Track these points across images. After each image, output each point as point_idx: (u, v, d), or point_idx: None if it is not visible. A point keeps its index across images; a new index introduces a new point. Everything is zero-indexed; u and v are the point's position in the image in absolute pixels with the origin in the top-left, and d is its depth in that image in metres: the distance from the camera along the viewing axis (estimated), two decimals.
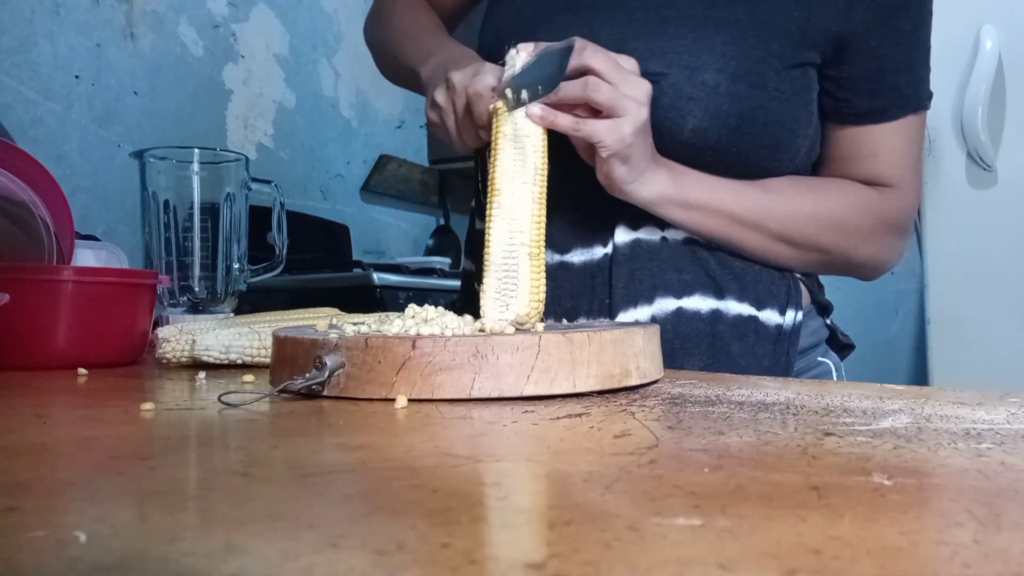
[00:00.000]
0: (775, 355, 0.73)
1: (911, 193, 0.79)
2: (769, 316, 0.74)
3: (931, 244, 1.63)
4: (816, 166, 0.81)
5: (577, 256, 0.75)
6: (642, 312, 0.72)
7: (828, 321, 0.83)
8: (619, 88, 0.62)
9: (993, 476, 0.27)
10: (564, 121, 0.62)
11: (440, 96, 0.71)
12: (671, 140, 0.70)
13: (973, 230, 1.57)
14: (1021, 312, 1.51)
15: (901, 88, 0.76)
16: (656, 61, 0.69)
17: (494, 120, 0.62)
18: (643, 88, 0.63)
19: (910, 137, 0.77)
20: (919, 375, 1.99)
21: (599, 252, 0.75)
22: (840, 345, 0.84)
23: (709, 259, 0.74)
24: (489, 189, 0.60)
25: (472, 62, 0.71)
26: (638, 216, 0.72)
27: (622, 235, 0.74)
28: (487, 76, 0.66)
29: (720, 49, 0.70)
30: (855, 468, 0.28)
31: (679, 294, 0.72)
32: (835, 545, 0.20)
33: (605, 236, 0.74)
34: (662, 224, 0.73)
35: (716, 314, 0.72)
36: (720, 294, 0.73)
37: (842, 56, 0.74)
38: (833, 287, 0.89)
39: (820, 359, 0.80)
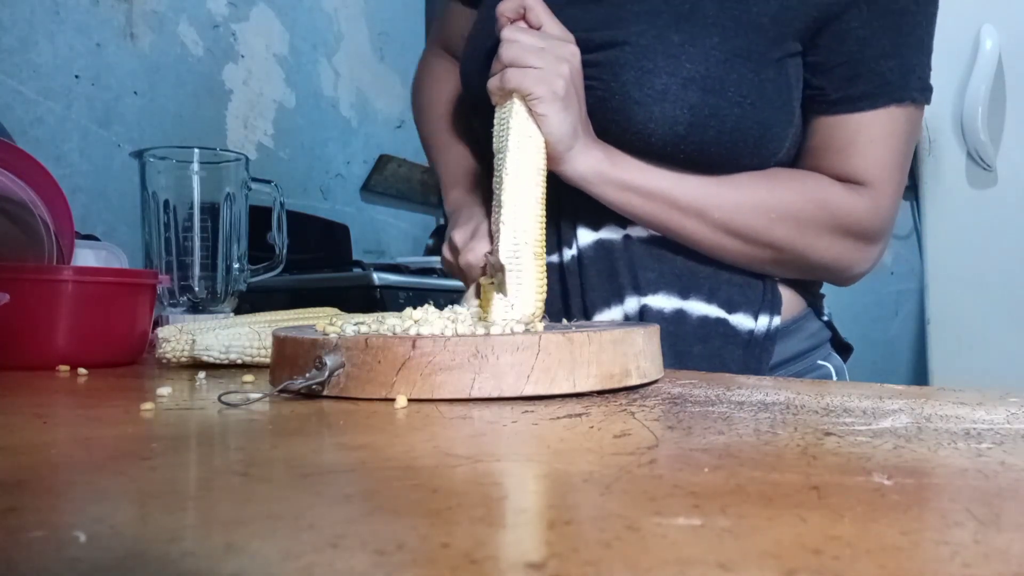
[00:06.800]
0: (745, 360, 0.71)
1: (887, 195, 0.71)
2: (741, 320, 0.72)
3: (931, 244, 1.63)
4: (793, 161, 0.76)
5: (548, 260, 0.74)
6: (615, 313, 0.72)
7: (827, 318, 0.81)
8: (534, 45, 0.63)
9: (993, 476, 0.27)
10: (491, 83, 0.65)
11: (447, 253, 0.76)
12: (617, 141, 0.69)
13: (973, 230, 1.57)
14: (1021, 312, 1.51)
15: (884, 74, 0.69)
16: (612, 60, 0.68)
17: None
18: (566, 48, 0.64)
19: (892, 132, 0.70)
20: (919, 375, 1.99)
21: (567, 254, 0.75)
22: (840, 346, 0.83)
23: (675, 259, 0.72)
24: (494, 192, 0.61)
25: (473, 219, 0.74)
26: (597, 215, 0.72)
27: (585, 236, 0.73)
28: (480, 244, 0.70)
29: (675, 51, 0.67)
30: (855, 468, 0.28)
31: (643, 292, 0.71)
32: (835, 545, 0.20)
33: (569, 238, 0.74)
34: (623, 222, 0.72)
35: (679, 314, 0.71)
36: (685, 294, 0.72)
37: (820, 40, 0.69)
38: (833, 286, 0.88)
39: (820, 362, 0.78)
